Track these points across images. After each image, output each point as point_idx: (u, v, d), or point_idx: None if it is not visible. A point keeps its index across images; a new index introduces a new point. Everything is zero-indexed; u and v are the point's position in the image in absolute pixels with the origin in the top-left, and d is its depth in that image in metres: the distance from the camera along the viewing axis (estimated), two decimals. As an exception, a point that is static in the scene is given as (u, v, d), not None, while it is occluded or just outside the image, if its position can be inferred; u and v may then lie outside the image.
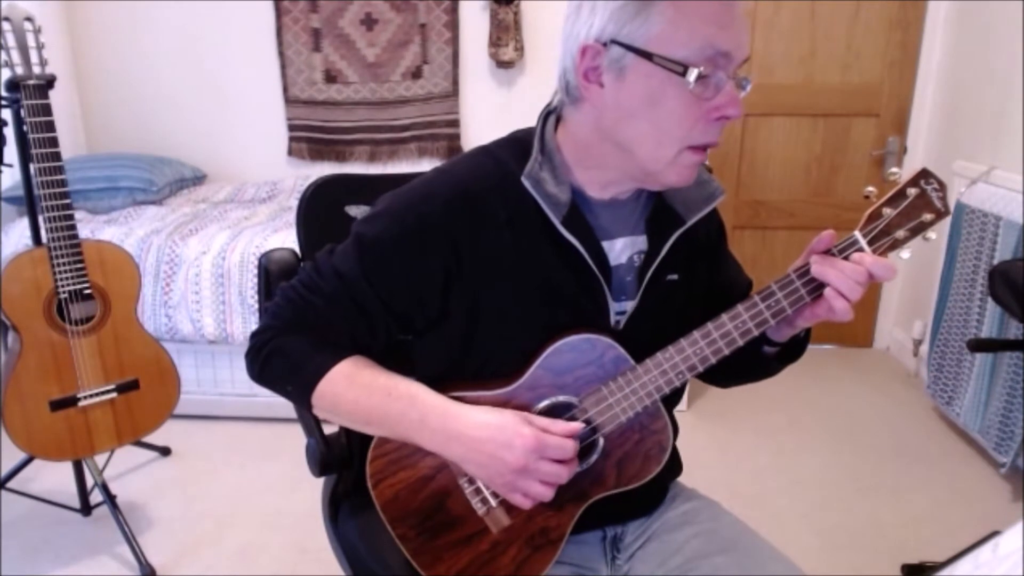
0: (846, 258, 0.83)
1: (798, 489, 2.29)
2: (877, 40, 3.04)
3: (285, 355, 0.92)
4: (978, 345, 1.98)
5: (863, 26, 3.03)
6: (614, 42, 0.80)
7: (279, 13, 3.17)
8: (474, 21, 3.16)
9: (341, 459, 1.10)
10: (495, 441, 0.84)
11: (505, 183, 0.88)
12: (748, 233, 3.31)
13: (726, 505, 1.06)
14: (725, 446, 2.54)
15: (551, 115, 0.92)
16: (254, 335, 0.94)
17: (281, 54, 3.22)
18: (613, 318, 0.93)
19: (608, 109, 0.84)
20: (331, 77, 3.24)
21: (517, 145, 0.92)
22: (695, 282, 0.99)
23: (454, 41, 3.18)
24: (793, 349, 0.98)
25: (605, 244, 0.92)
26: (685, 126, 0.81)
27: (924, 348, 2.93)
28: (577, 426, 0.87)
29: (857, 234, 0.84)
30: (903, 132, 3.13)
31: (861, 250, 0.83)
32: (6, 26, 1.66)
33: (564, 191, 0.88)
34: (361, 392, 0.89)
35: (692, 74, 0.78)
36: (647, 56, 0.79)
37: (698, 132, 0.82)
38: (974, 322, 2.44)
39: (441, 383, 0.90)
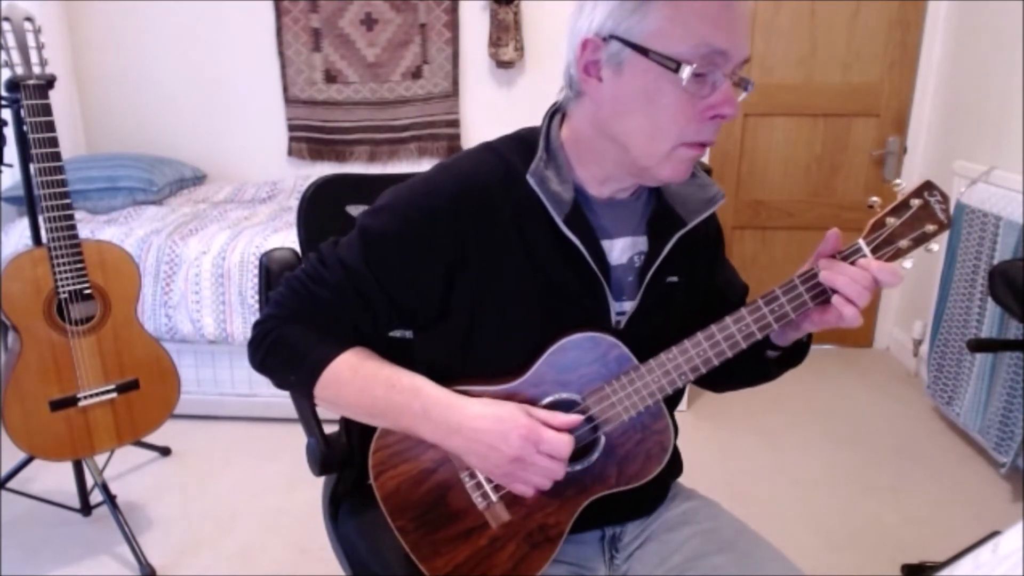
0: (852, 264, 0.84)
1: (798, 489, 2.29)
2: (877, 40, 3.04)
3: (288, 344, 0.92)
4: (978, 345, 1.98)
5: (863, 26, 3.03)
6: (613, 37, 0.81)
7: (279, 13, 3.17)
8: (474, 21, 3.16)
9: (341, 458, 1.10)
10: (493, 432, 0.84)
11: (509, 180, 0.89)
12: (748, 233, 3.31)
13: (726, 505, 1.06)
14: (725, 446, 2.54)
15: (557, 113, 0.93)
16: (257, 324, 0.94)
17: (281, 54, 3.22)
18: (614, 318, 0.93)
19: (605, 103, 0.84)
20: (331, 77, 3.24)
21: (521, 143, 0.92)
22: (694, 284, 0.99)
23: (454, 41, 3.18)
24: (794, 354, 0.98)
25: (605, 244, 0.92)
26: (679, 123, 0.82)
27: (924, 348, 2.93)
28: (575, 418, 0.87)
29: (861, 242, 0.85)
30: (903, 132, 3.13)
31: (865, 257, 0.84)
32: (6, 26, 1.66)
33: (567, 190, 0.89)
34: (365, 383, 0.90)
35: (686, 71, 0.78)
36: (643, 52, 0.79)
37: (692, 130, 0.82)
38: (974, 322, 2.44)
39: (444, 378, 0.91)
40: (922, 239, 0.84)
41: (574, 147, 0.91)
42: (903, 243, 0.84)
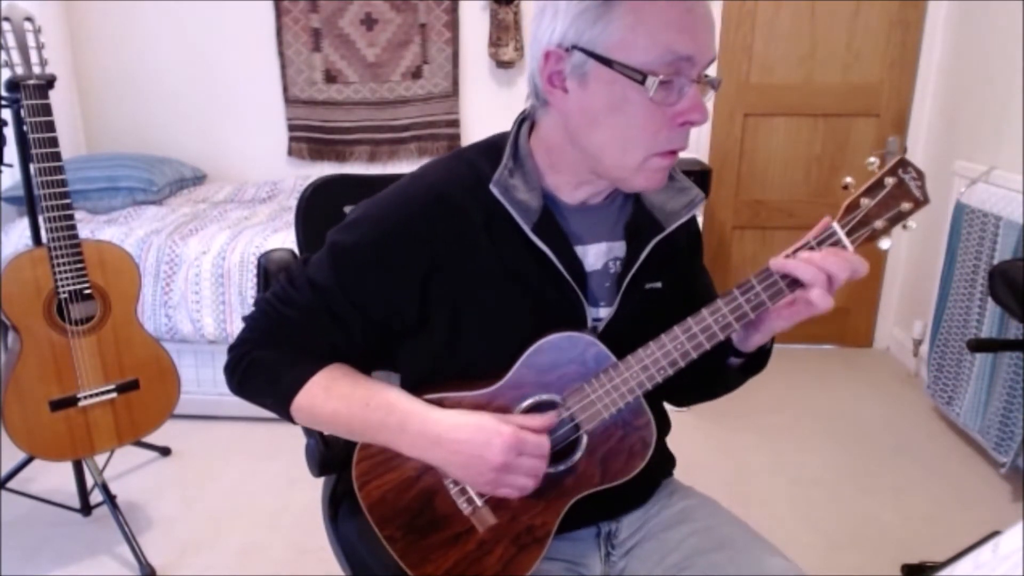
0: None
1: (798, 489, 2.29)
2: (877, 40, 3.04)
3: (262, 369, 0.92)
4: (978, 345, 1.97)
5: (863, 26, 3.03)
6: (576, 47, 0.79)
7: (279, 13, 3.17)
8: (474, 21, 3.16)
9: (341, 459, 1.10)
10: (474, 442, 0.84)
11: (479, 188, 0.88)
12: (748, 233, 3.31)
13: (725, 504, 1.06)
14: (725, 446, 2.54)
15: (526, 120, 0.92)
16: (231, 349, 0.95)
17: (281, 54, 3.22)
18: (590, 324, 0.93)
19: (573, 115, 0.83)
20: (331, 77, 3.24)
21: (492, 150, 0.92)
22: (674, 289, 0.99)
23: (454, 41, 3.18)
24: (756, 360, 0.97)
25: (579, 249, 0.92)
26: (649, 133, 0.81)
27: (924, 348, 2.93)
28: (550, 417, 0.87)
29: (835, 225, 0.83)
30: (903, 132, 3.13)
31: (839, 242, 0.83)
32: (6, 26, 1.66)
33: (535, 197, 0.88)
34: (339, 403, 0.90)
35: (652, 83, 0.77)
36: (607, 63, 0.78)
37: (663, 138, 0.82)
38: (974, 322, 2.44)
39: (425, 385, 0.91)
40: (898, 218, 0.82)
41: (545, 155, 0.90)
42: (879, 223, 0.82)
